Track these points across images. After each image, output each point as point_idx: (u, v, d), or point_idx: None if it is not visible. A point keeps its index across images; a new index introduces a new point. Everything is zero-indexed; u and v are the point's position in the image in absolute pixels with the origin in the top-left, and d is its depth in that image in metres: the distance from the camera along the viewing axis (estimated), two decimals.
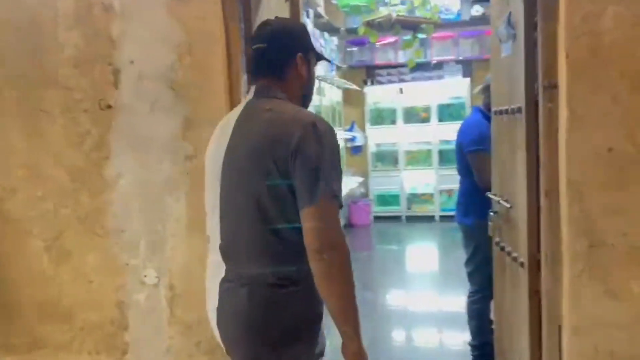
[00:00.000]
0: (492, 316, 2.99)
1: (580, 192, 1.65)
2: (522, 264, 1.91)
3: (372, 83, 7.36)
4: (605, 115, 1.62)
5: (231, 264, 1.37)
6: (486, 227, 2.65)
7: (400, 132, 7.23)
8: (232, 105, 1.87)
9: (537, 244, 1.83)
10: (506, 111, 2.04)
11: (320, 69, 5.75)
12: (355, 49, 7.30)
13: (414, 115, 7.21)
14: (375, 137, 7.41)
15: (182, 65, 1.87)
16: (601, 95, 1.61)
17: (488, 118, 2.72)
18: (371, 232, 7.05)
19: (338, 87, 6.89)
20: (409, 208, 7.21)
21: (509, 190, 2.03)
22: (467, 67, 6.99)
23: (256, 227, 1.32)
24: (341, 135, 6.77)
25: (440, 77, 7.02)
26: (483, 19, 6.73)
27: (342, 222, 6.73)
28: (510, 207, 1.98)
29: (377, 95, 7.45)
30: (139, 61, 1.90)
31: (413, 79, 7.20)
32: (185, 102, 1.88)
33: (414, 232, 6.86)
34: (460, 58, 6.87)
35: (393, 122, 7.31)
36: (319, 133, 1.29)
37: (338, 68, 6.80)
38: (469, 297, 2.81)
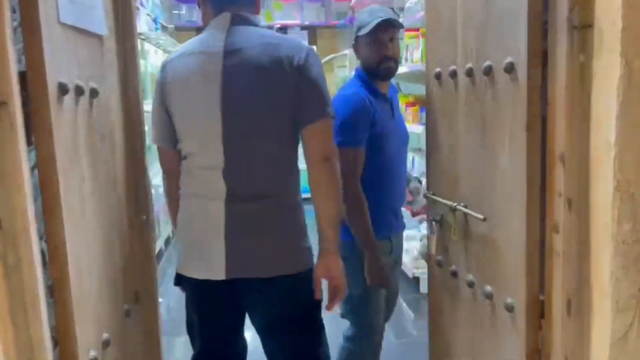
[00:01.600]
0: None
1: (635, 201, 1.02)
2: (509, 308, 1.24)
3: None
4: None
5: (243, 184, 1.40)
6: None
7: None
8: None
9: (540, 280, 1.18)
10: (468, 72, 1.33)
11: (142, 25, 4.55)
12: (183, 9, 6.15)
13: None
14: None
15: None
16: None
17: (368, 81, 1.79)
18: None
19: (165, 50, 5.70)
20: None
21: (478, 193, 1.34)
22: (312, 34, 6.35)
23: (270, 145, 1.40)
24: None
25: None
26: None
27: None
28: (485, 220, 1.29)
29: None
30: None
31: None
32: None
33: None
34: (306, 23, 6.18)
35: None
36: (316, 57, 1.42)
37: (164, 28, 5.60)
38: (344, 334, 1.91)
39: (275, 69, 1.35)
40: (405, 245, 3.75)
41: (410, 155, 3.69)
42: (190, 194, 1.45)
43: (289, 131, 1.40)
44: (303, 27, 6.25)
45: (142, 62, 4.57)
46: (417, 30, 3.48)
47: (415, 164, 3.60)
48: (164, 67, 1.47)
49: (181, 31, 6.14)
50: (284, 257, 1.41)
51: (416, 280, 3.43)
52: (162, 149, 1.51)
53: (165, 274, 4.29)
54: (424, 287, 3.39)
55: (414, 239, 3.66)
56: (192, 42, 1.48)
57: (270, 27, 6.33)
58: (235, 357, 1.55)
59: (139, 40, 4.40)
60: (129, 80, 1.45)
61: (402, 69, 3.75)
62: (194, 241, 1.43)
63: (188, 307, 1.51)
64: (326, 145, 1.39)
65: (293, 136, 1.41)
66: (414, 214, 4.19)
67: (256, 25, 1.46)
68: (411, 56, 3.40)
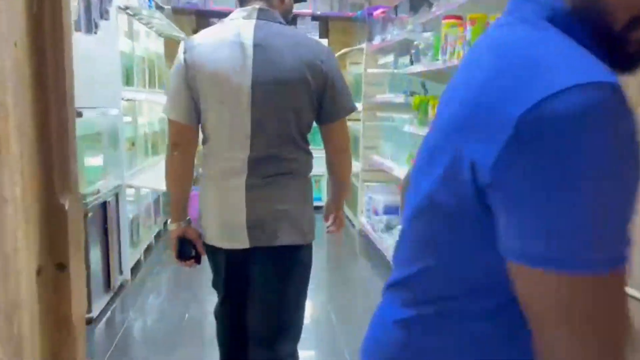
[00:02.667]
0: None
1: None
2: None
3: None
4: None
5: (262, 168, 1.59)
6: None
7: None
8: None
9: None
10: None
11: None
12: None
13: None
14: None
15: None
16: None
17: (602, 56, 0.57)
18: None
19: (159, 33, 5.10)
20: None
21: None
22: (324, 25, 5.76)
23: (296, 136, 1.61)
24: (162, 99, 5.04)
25: None
26: None
27: (165, 218, 5.10)
28: None
29: None
30: None
31: None
32: None
33: None
34: (318, 13, 5.59)
35: None
36: (335, 57, 1.66)
37: (159, 8, 4.99)
38: None
39: (301, 69, 1.52)
40: None
41: None
42: (216, 177, 1.63)
43: (308, 123, 1.62)
44: (314, 17, 5.67)
45: (129, 42, 3.95)
46: (460, 18, 2.88)
47: None
48: (189, 49, 1.59)
49: (179, 14, 5.54)
50: (294, 231, 1.63)
51: None
52: (178, 123, 1.62)
53: (144, 288, 3.69)
54: None
55: None
56: (217, 29, 1.63)
57: None
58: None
59: (125, 16, 3.81)
60: (46, 29, 0.83)
61: (434, 65, 3.15)
62: (220, 216, 1.63)
63: (214, 269, 1.80)
64: (344, 139, 1.69)
65: (310, 126, 1.64)
66: None
67: (280, 22, 1.61)
68: (451, 49, 2.80)
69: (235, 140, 1.57)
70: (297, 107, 1.55)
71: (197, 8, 5.53)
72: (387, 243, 3.87)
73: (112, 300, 3.39)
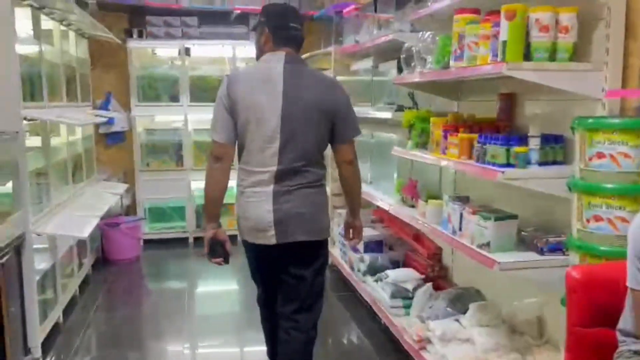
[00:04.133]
0: None
1: None
2: None
3: (141, 35, 4.79)
4: None
5: (286, 181, 2.06)
6: None
7: (185, 114, 4.92)
8: None
9: None
10: None
11: None
12: None
13: (206, 90, 4.89)
14: (146, 120, 4.99)
15: None
16: None
17: None
18: (142, 265, 4.60)
19: (81, 34, 4.16)
20: (200, 226, 4.93)
21: None
22: None
23: (314, 154, 2.10)
24: (85, 118, 4.10)
25: (244, 36, 4.89)
26: None
27: (94, 257, 4.22)
28: None
29: (148, 55, 4.99)
30: None
31: (203, 35, 4.90)
32: None
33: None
34: None
35: (174, 98, 4.92)
36: (348, 95, 2.18)
37: (83, 4, 4.06)
38: None
39: (318, 103, 2.05)
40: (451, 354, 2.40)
41: (471, 219, 2.36)
42: (249, 187, 2.09)
43: (324, 143, 2.14)
44: None
45: (38, 46, 3.03)
46: (477, 11, 2.19)
47: (489, 230, 2.15)
48: (231, 84, 2.05)
49: (108, 11, 4.62)
50: (315, 229, 2.12)
51: None
52: (219, 142, 2.07)
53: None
54: None
55: (458, 340, 2.33)
56: (252, 69, 2.35)
57: (229, 13, 4.96)
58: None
59: (30, 10, 2.89)
60: None
61: (443, 74, 2.43)
62: (253, 219, 2.09)
63: (251, 264, 2.32)
64: (350, 154, 2.17)
65: (326, 145, 2.16)
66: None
67: (306, 65, 2.18)
68: (471, 52, 2.10)
69: (266, 158, 2.04)
70: (315, 132, 2.05)
71: (127, 3, 4.61)
72: (374, 289, 3.14)
73: None
